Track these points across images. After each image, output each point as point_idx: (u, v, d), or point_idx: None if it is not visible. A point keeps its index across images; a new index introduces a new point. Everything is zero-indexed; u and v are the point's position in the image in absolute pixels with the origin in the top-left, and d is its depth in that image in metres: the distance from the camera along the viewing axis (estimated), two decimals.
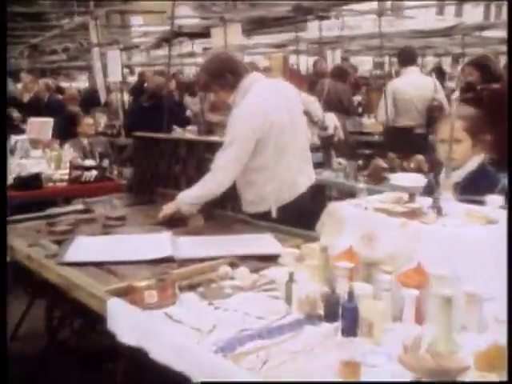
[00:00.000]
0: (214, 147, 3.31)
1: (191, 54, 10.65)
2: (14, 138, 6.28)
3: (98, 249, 2.67)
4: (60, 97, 9.09)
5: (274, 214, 3.16)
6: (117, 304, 2.05)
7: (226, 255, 2.54)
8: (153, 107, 6.18)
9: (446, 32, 10.22)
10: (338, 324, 1.80)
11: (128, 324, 1.99)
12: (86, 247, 2.69)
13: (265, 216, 3.17)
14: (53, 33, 8.81)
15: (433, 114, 5.61)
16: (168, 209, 3.18)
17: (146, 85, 8.28)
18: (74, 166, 4.68)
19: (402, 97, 5.92)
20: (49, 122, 6.30)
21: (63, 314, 3.45)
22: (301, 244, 2.54)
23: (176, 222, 3.16)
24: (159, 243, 2.71)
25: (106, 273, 2.39)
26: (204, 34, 8.04)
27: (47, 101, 7.84)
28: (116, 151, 7.07)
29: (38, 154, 5.84)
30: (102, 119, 9.05)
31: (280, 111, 3.11)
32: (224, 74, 3.09)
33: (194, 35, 8.24)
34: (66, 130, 6.83)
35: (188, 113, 8.73)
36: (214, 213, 3.30)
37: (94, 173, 4.80)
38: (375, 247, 2.03)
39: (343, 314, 1.78)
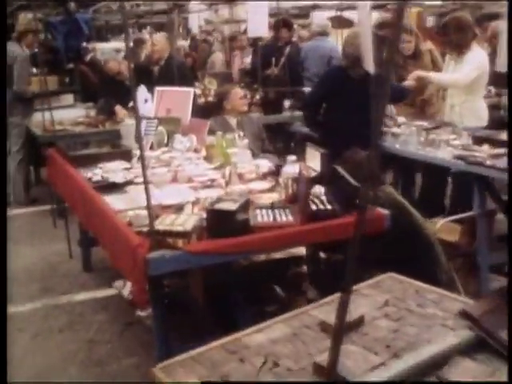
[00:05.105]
0: None
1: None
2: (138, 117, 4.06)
3: None
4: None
5: None
6: None
7: None
8: (362, 79, 3.78)
9: None
10: None
11: None
12: None
13: None
14: None
15: None
16: None
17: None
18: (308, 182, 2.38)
19: None
20: (188, 92, 4.09)
21: None
22: None
23: None
24: None
25: None
26: None
27: (164, 64, 5.44)
28: None
29: (182, 145, 3.63)
30: (213, 85, 6.92)
31: None
32: None
33: None
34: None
35: None
36: None
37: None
38: None
39: None
